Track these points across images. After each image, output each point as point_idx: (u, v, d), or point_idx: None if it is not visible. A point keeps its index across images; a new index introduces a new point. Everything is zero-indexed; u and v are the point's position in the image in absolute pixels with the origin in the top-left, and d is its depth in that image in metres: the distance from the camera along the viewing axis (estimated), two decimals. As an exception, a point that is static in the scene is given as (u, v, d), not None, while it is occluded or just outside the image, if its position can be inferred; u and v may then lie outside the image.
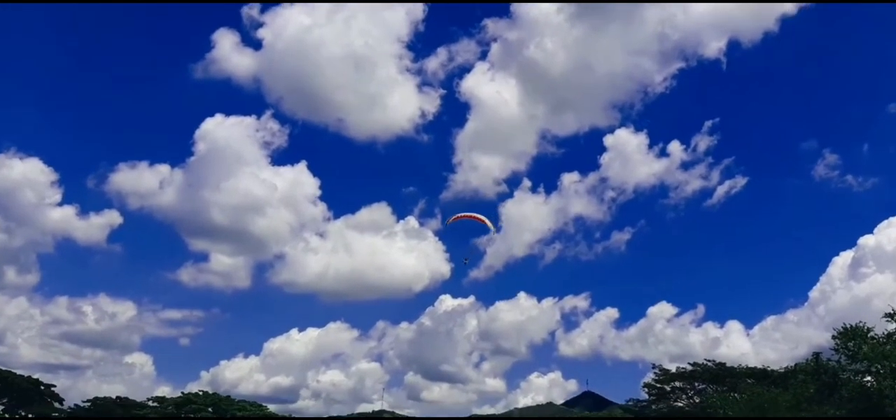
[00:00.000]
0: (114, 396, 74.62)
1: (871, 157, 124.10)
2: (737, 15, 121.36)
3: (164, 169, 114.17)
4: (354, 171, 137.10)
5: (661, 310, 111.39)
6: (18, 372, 70.17)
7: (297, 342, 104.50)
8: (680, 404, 65.09)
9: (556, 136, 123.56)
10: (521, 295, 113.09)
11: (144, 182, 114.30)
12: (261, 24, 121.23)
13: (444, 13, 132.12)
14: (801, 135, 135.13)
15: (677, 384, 66.16)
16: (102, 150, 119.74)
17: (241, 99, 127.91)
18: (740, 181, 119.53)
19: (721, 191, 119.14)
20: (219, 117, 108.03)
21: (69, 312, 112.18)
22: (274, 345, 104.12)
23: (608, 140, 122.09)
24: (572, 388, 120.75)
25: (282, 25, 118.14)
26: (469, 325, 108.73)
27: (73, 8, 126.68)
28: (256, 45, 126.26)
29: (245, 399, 73.27)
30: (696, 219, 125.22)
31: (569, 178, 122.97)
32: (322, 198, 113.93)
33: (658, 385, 67.25)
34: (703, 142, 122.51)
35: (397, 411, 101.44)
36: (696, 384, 64.85)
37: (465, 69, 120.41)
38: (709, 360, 64.66)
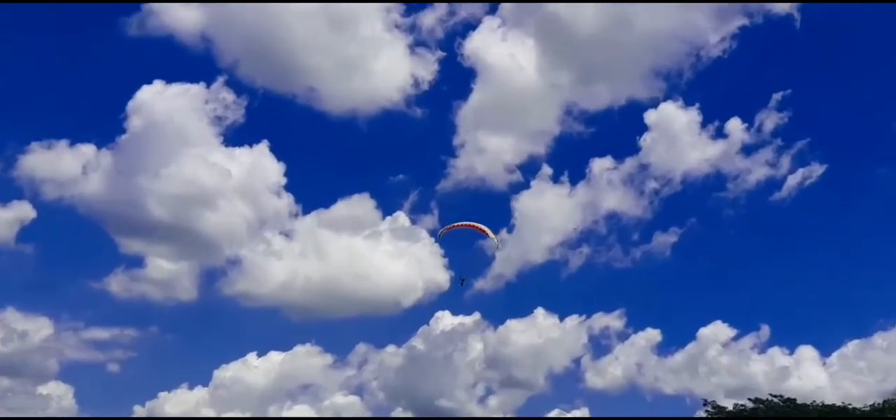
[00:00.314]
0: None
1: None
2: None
3: (87, 150, 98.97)
4: (329, 154, 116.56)
5: (716, 332, 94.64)
6: None
7: (255, 370, 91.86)
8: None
9: (584, 111, 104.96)
10: (539, 312, 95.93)
11: (63, 167, 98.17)
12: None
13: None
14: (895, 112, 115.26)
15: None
16: (9, 127, 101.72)
17: (186, 62, 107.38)
18: (817, 170, 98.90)
19: (792, 182, 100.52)
20: (157, 85, 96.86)
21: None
22: (227, 373, 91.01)
23: (650, 117, 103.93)
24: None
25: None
26: (473, 350, 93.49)
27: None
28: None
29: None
30: (760, 217, 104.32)
31: (600, 165, 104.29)
32: (288, 188, 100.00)
33: (711, 426, 61.22)
34: (769, 120, 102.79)
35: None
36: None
37: (469, 26, 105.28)
38: (775, 396, 59.44)
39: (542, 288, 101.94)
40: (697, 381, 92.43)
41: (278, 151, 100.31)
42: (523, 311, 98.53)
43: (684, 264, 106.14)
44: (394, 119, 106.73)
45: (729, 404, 62.04)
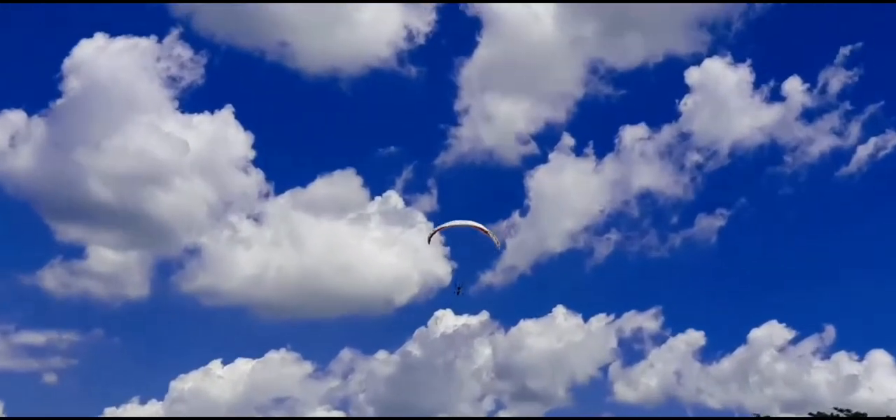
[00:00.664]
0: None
1: None
2: None
3: (16, 118, 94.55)
4: (305, 122, 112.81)
5: (771, 333, 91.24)
6: None
7: (220, 380, 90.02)
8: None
9: (612, 69, 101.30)
10: (559, 310, 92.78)
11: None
12: None
13: None
14: None
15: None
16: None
17: (133, 12, 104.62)
18: (892, 139, 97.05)
19: (863, 153, 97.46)
20: (99, 39, 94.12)
21: None
22: (185, 384, 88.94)
23: (692, 75, 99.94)
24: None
25: None
26: (480, 356, 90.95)
27: None
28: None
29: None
30: (824, 196, 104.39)
31: (632, 134, 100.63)
32: (257, 162, 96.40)
33: (767, 447, 67.48)
34: (836, 79, 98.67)
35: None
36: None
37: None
38: (841, 410, 62.37)
39: (562, 282, 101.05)
40: (748, 392, 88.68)
41: (245, 119, 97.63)
42: (540, 309, 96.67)
43: (733, 253, 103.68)
44: (383, 80, 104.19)
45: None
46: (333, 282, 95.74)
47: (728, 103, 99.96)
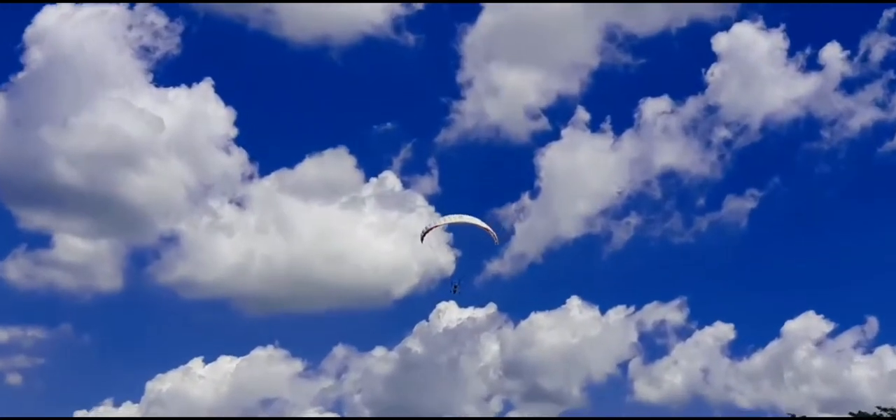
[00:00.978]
0: None
1: None
2: None
3: None
4: (292, 96, 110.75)
5: (807, 326, 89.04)
6: None
7: (201, 381, 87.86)
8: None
9: (631, 35, 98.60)
10: (573, 302, 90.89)
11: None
12: None
13: None
14: None
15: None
16: None
17: None
18: None
19: None
20: (64, 6, 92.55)
21: None
22: (163, 385, 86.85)
23: (720, 42, 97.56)
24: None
25: None
26: (487, 352, 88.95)
27: None
28: None
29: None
30: (865, 174, 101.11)
31: (653, 107, 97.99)
32: (240, 141, 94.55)
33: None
34: (879, 45, 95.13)
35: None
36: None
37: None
38: (885, 409, 60.03)
39: (576, 271, 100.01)
40: (782, 390, 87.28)
41: (226, 93, 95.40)
42: (552, 301, 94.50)
43: (765, 238, 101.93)
44: (378, 49, 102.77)
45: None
46: (325, 272, 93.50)
47: (759, 73, 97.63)
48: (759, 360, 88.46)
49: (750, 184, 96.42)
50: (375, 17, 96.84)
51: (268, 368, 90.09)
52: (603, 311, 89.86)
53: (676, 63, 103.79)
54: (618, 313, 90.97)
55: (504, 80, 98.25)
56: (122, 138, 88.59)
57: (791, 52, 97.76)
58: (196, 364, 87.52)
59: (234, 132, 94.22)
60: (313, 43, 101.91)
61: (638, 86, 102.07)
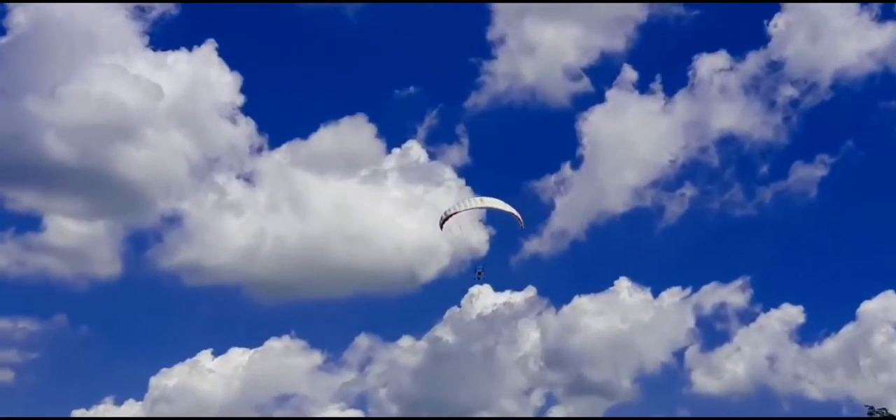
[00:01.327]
0: None
1: None
2: None
3: None
4: (304, 59, 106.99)
5: (886, 306, 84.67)
6: None
7: (211, 375, 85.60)
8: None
9: None
10: (622, 283, 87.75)
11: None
12: None
13: None
14: None
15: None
16: None
17: None
18: None
19: None
20: None
21: None
22: (168, 380, 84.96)
23: None
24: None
25: None
26: (526, 341, 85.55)
27: None
28: None
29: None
30: None
31: (709, 64, 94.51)
32: (247, 110, 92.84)
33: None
34: None
35: None
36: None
37: None
38: None
39: (624, 249, 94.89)
40: (858, 379, 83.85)
41: (230, 57, 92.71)
42: (598, 283, 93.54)
43: (837, 209, 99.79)
44: (398, 4, 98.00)
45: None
46: (344, 254, 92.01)
47: (829, 24, 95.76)
48: (831, 345, 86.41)
49: (820, 149, 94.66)
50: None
51: (283, 361, 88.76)
52: (655, 293, 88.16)
53: (735, 14, 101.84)
54: (672, 296, 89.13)
55: (540, 37, 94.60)
56: (116, 108, 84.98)
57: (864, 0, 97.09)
58: (204, 357, 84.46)
59: (240, 100, 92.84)
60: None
61: (691, 40, 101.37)
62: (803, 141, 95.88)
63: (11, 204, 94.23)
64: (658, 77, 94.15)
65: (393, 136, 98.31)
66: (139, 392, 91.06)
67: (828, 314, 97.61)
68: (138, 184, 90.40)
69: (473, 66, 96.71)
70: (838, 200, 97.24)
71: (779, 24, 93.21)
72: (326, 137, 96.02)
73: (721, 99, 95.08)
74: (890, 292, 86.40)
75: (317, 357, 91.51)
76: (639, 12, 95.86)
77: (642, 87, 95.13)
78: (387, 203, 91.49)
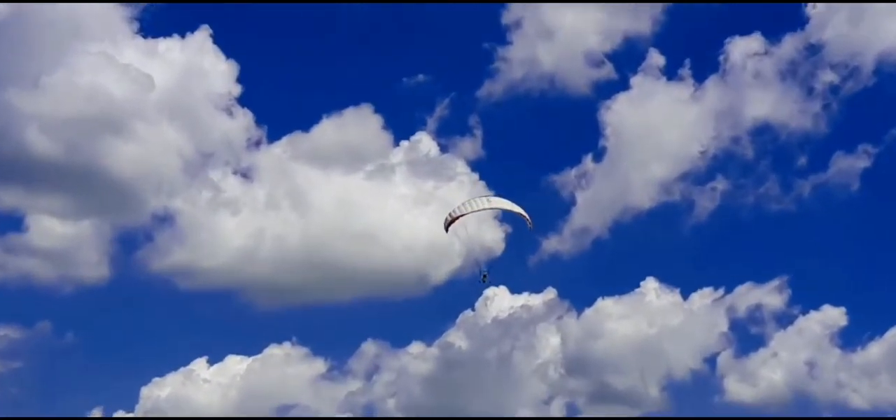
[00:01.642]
0: None
1: None
2: None
3: None
4: (306, 46, 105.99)
5: None
6: None
7: (206, 385, 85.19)
8: None
9: None
10: (649, 285, 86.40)
11: None
12: None
13: None
14: None
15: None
16: None
17: None
18: None
19: None
20: None
21: None
22: (161, 391, 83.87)
23: None
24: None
25: None
26: (545, 346, 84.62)
27: None
28: None
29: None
30: None
31: (742, 48, 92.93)
32: (244, 100, 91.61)
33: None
34: None
35: None
36: None
37: None
38: None
39: (651, 247, 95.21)
40: None
41: (226, 44, 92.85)
42: (623, 284, 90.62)
43: (881, 203, 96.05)
44: None
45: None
46: (349, 254, 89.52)
47: (872, 4, 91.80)
48: (876, 350, 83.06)
49: (862, 138, 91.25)
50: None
51: (284, 369, 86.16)
52: (685, 295, 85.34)
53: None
54: (703, 297, 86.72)
55: (559, 21, 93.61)
56: (104, 100, 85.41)
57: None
58: (199, 365, 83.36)
59: (236, 90, 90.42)
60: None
61: (723, 22, 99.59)
62: (844, 130, 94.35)
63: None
64: (687, 62, 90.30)
65: (401, 128, 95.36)
66: (129, 403, 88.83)
67: (872, 316, 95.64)
68: (128, 180, 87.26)
69: (487, 53, 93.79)
70: (882, 193, 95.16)
71: (817, 4, 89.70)
72: (329, 129, 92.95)
73: (755, 85, 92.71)
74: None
75: (320, 365, 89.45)
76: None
77: (670, 72, 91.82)
78: (394, 199, 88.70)
